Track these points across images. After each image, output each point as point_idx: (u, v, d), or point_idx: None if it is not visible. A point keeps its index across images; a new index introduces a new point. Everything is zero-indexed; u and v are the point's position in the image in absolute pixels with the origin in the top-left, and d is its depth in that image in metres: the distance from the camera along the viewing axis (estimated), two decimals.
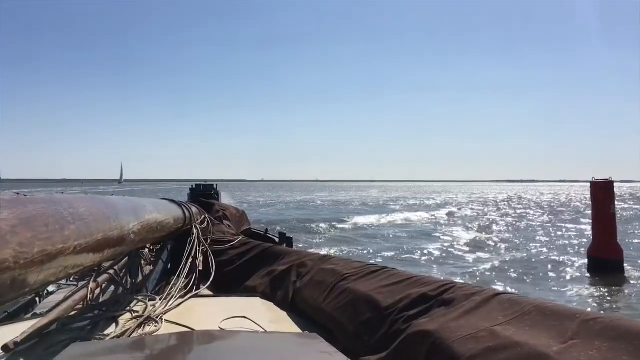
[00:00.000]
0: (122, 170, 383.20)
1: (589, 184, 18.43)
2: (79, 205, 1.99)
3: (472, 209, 57.56)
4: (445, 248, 23.34)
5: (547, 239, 26.73)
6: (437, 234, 29.68)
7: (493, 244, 25.14)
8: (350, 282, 2.82)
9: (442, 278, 2.59)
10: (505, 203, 72.97)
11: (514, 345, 1.58)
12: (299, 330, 2.82)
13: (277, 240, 7.06)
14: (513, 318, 1.79)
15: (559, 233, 29.76)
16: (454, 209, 54.69)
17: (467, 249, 23.30)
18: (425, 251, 22.33)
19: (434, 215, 45.02)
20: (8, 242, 1.37)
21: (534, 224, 36.70)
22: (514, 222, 37.93)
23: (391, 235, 29.26)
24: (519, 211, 52.24)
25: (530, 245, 24.52)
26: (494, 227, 33.80)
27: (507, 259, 20.11)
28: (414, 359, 1.89)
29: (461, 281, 2.44)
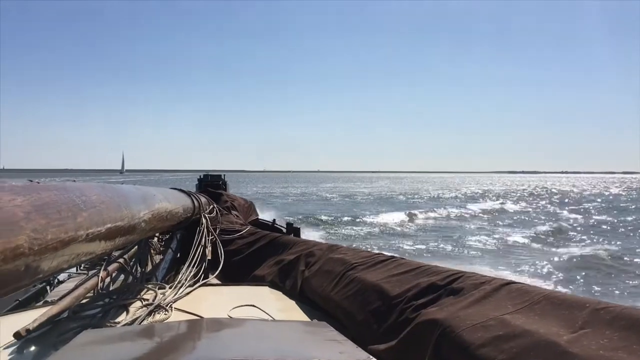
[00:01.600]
0: (123, 160, 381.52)
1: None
2: (90, 193, 1.99)
3: (519, 202, 52.83)
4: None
5: None
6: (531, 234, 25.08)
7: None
8: (359, 271, 2.83)
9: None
10: (545, 195, 67.97)
11: (524, 334, 1.58)
12: (307, 319, 2.84)
13: (284, 230, 7.08)
14: (522, 307, 1.79)
15: None
16: (497, 204, 49.33)
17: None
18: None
19: (491, 209, 41.27)
20: (22, 229, 1.36)
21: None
22: (597, 221, 32.48)
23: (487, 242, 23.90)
24: (577, 205, 46.79)
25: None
26: (582, 227, 28.69)
27: None
28: (423, 347, 1.90)
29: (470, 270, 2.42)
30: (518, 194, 71.99)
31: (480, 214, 39.43)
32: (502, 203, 51.27)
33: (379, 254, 3.12)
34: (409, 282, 2.41)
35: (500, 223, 33.05)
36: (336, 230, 29.18)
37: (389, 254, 3.09)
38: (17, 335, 2.19)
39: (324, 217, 34.87)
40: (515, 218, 35.82)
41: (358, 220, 33.88)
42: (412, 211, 38.74)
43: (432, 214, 38.41)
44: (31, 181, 1.68)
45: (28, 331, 2.21)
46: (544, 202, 54.19)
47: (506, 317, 1.74)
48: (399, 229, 30.07)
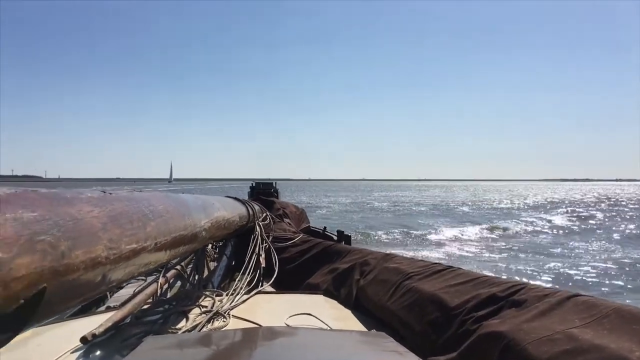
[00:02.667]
0: (171, 170, 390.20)
1: None
2: (157, 203, 2.06)
3: (606, 212, 46.59)
4: None
5: None
6: None
7: None
8: (415, 281, 2.79)
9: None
10: (628, 203, 61.21)
11: (593, 349, 1.51)
12: (364, 329, 2.81)
13: (335, 238, 7.03)
14: (591, 321, 1.72)
15: None
16: (583, 214, 43.52)
17: None
18: None
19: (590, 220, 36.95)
20: (100, 239, 1.43)
21: None
22: None
23: None
24: None
25: None
26: None
27: None
28: None
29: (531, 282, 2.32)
30: (596, 203, 65.48)
31: (575, 226, 34.66)
32: (588, 214, 45.51)
33: (435, 263, 3.05)
34: (468, 292, 2.34)
35: (612, 238, 27.94)
36: (427, 254, 23.32)
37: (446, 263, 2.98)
38: (83, 339, 2.25)
39: (412, 232, 30.50)
40: (626, 233, 30.71)
41: (440, 237, 29.09)
42: (493, 224, 34.58)
43: (517, 228, 33.64)
44: (104, 192, 1.75)
45: (94, 336, 2.26)
46: (634, 212, 47.98)
47: (573, 331, 1.67)
48: (493, 245, 25.52)
